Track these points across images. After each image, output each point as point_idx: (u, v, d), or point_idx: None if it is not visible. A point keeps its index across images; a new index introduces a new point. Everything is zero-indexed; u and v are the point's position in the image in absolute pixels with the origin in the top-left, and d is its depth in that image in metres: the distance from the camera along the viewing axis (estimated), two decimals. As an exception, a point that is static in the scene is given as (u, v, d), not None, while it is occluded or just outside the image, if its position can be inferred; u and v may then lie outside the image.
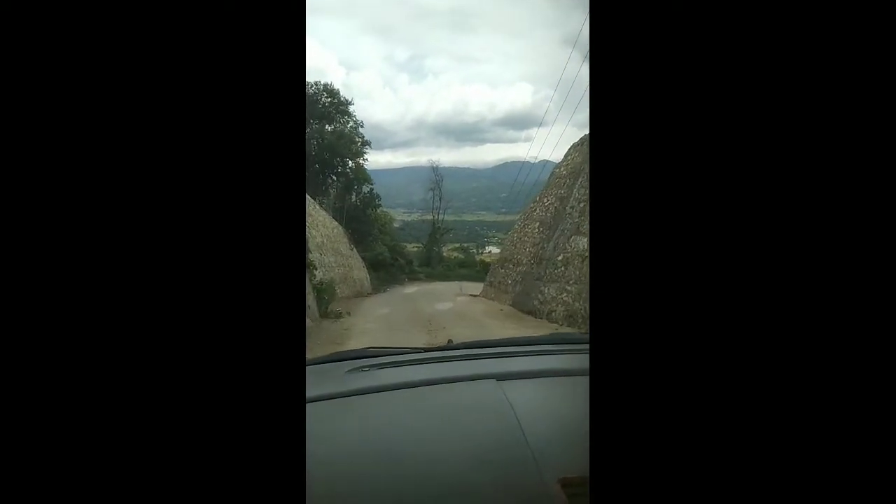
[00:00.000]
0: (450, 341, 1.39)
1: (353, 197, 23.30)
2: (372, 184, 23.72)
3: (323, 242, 11.79)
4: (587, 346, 0.86)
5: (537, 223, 10.72)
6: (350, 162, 22.88)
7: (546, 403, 0.85)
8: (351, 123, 22.92)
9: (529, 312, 8.52)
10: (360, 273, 16.37)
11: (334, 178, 23.13)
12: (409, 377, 0.96)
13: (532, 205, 11.76)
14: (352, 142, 22.47)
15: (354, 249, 16.07)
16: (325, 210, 16.26)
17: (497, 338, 1.42)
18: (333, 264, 11.99)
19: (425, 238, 31.50)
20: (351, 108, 23.57)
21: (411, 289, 18.57)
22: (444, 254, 32.44)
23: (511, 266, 11.64)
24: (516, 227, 12.64)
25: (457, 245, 38.58)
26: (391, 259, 22.59)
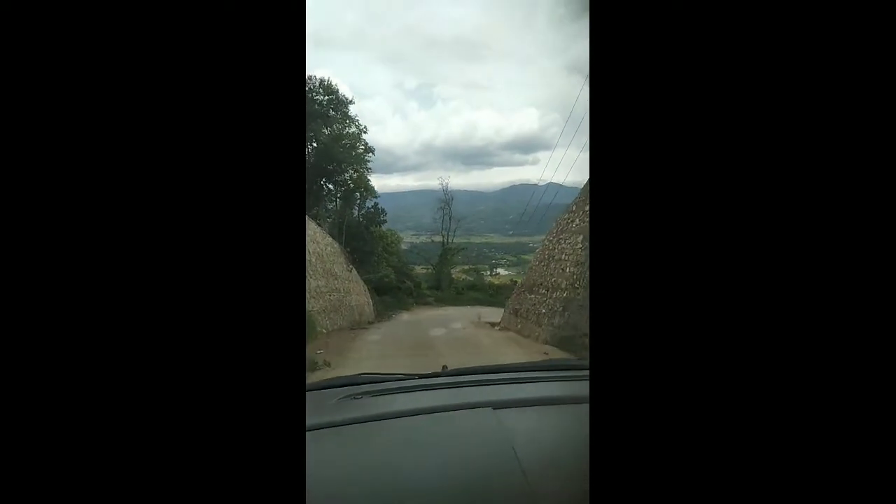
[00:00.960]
0: (444, 367, 1.35)
1: (355, 212, 20.52)
2: (376, 196, 20.83)
3: (311, 262, 9.61)
4: (584, 373, 1.10)
5: (580, 236, 8.47)
6: (350, 170, 19.77)
7: (543, 433, 0.83)
8: (353, 128, 19.90)
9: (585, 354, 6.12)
10: (360, 298, 14.00)
11: (331, 187, 20.07)
12: (403, 405, 0.93)
13: (567, 215, 9.48)
14: (353, 147, 19.65)
15: (354, 271, 13.73)
16: (320, 225, 14.01)
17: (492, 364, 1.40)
18: (323, 289, 9.77)
19: (434, 260, 29.34)
20: (352, 111, 20.05)
21: (420, 315, 16.30)
22: (453, 276, 30.20)
23: (543, 291, 9.31)
24: (545, 243, 10.35)
25: (466, 267, 36.42)
26: (397, 282, 20.36)
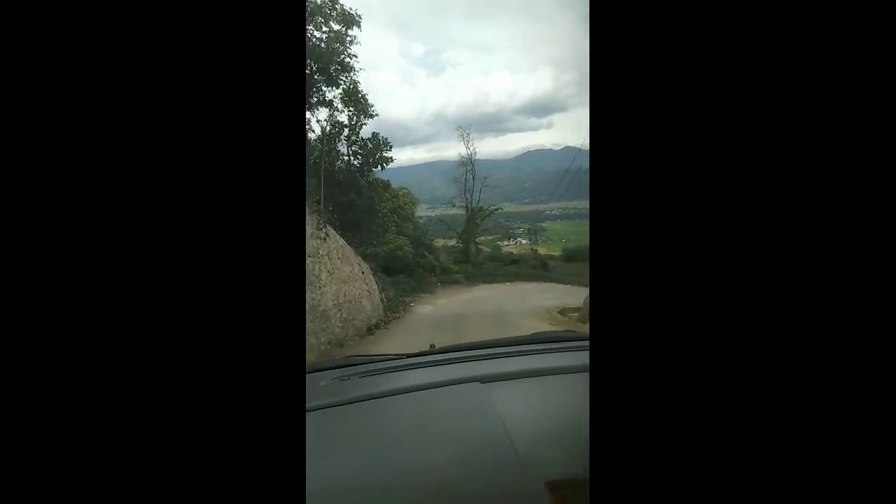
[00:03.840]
0: (432, 346, 1.33)
1: (341, 147, 12.57)
2: (371, 113, 11.93)
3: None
4: (570, 344, 1.20)
5: None
6: (332, 70, 10.97)
7: (531, 404, 0.83)
8: (333, 23, 10.67)
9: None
10: (353, 288, 7.97)
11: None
12: (391, 385, 0.94)
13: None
14: (331, 35, 10.71)
15: (334, 237, 7.56)
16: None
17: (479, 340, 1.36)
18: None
19: (453, 232, 23.40)
20: None
21: (452, 303, 10.60)
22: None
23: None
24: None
25: (483, 238, 30.56)
26: (415, 256, 14.53)
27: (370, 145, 13.02)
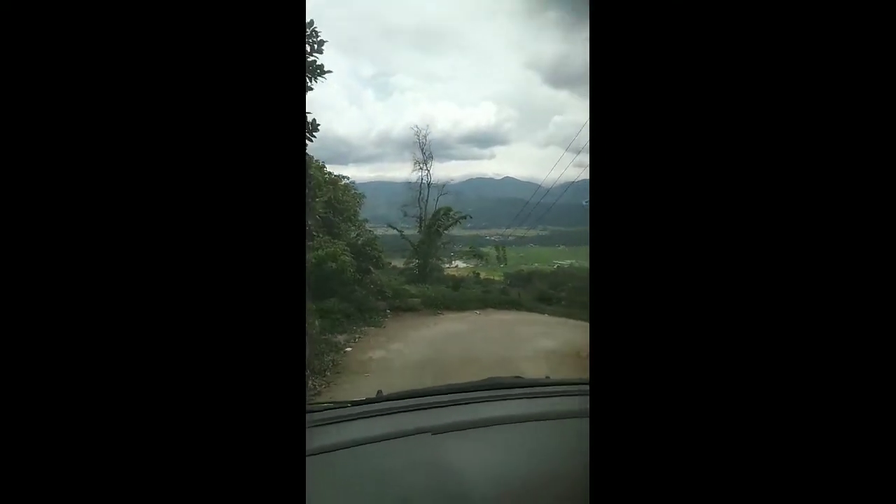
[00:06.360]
0: (379, 392, 1.28)
1: None
2: (315, 34, 5.97)
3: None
4: (522, 391, 1.18)
5: None
6: None
7: (484, 456, 0.81)
8: None
9: None
10: None
11: None
12: (339, 437, 0.90)
13: None
14: None
15: None
16: None
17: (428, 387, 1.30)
18: None
19: (407, 244, 18.46)
20: None
21: (412, 342, 5.82)
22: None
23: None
24: None
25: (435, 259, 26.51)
26: (357, 269, 9.47)
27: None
